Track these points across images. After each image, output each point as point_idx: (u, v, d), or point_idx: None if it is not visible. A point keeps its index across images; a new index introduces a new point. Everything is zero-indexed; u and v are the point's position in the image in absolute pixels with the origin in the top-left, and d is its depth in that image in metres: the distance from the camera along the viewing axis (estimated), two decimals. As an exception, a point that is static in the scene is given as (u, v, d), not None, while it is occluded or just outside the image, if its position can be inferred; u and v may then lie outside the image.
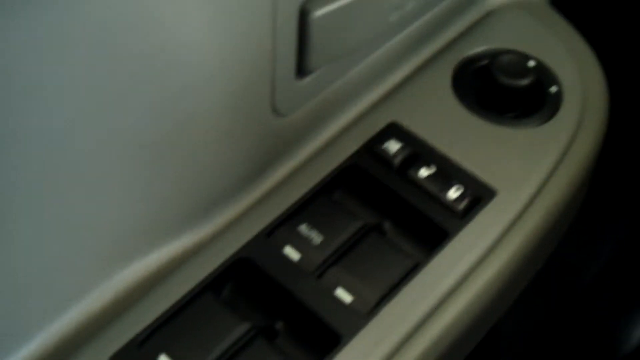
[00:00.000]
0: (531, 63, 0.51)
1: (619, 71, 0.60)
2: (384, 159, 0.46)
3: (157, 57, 0.34)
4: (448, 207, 0.44)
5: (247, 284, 0.41)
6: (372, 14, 0.43)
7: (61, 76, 0.31)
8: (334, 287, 0.41)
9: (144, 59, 0.33)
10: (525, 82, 0.49)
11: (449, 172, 0.45)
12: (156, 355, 0.38)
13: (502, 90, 0.49)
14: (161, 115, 0.36)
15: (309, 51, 0.41)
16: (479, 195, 0.45)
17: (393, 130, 0.47)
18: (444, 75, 0.50)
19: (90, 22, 0.31)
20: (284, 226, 0.42)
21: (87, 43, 0.31)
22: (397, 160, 0.46)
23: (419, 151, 0.46)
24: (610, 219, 0.86)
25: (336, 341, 0.39)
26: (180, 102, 0.36)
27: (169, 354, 0.38)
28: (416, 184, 0.45)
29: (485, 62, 0.51)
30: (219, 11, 0.35)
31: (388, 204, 0.45)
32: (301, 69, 0.41)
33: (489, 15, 0.55)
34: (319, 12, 0.39)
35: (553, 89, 0.51)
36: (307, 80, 0.42)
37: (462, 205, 0.44)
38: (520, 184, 0.46)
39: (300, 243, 0.42)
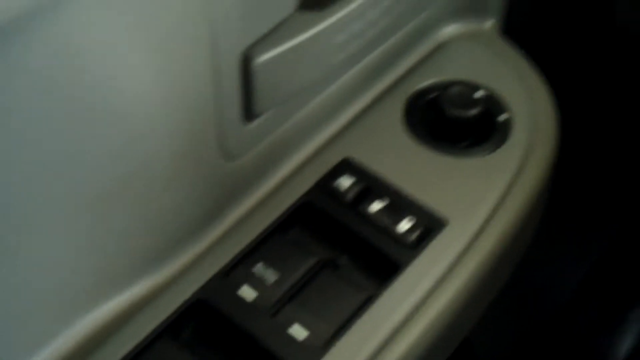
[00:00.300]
0: (480, 93, 0.52)
1: (572, 94, 0.61)
2: (337, 195, 0.47)
3: (101, 110, 0.35)
4: (399, 239, 0.45)
5: (206, 325, 0.42)
6: (315, 57, 0.44)
7: (7, 131, 0.32)
8: (290, 324, 0.42)
9: (88, 113, 0.35)
10: (473, 112, 0.50)
11: (400, 205, 0.47)
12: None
13: (451, 122, 0.50)
14: (110, 167, 0.37)
15: (255, 96, 0.42)
16: (431, 226, 0.46)
17: (346, 166, 0.48)
18: (395, 110, 0.52)
19: (32, 77, 0.32)
20: (239, 266, 0.44)
21: (31, 99, 0.32)
22: (349, 196, 0.47)
23: (371, 185, 0.47)
24: (585, 236, 0.87)
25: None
26: (129, 153, 0.37)
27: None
28: (368, 218, 0.46)
29: (435, 94, 0.52)
30: (160, 62, 0.36)
31: (342, 239, 0.46)
32: (248, 113, 0.43)
33: (440, 47, 0.56)
34: (262, 58, 0.41)
35: (502, 117, 0.52)
36: (256, 123, 0.44)
37: (413, 237, 0.45)
38: (471, 212, 0.47)
39: (256, 282, 0.43)
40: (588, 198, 0.87)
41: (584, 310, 0.85)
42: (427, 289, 0.44)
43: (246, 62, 0.41)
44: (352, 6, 0.45)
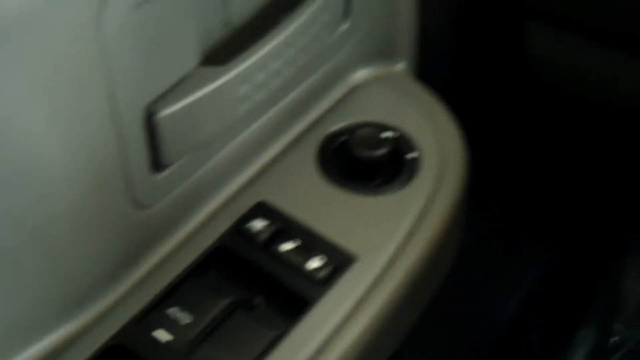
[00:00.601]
0: (389, 133, 0.55)
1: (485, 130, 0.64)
2: (251, 237, 0.49)
3: (6, 168, 0.37)
4: (309, 276, 0.47)
5: (123, 370, 0.44)
6: (219, 109, 0.47)
7: None
8: (203, 364, 0.44)
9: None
10: (381, 152, 0.53)
11: (311, 244, 0.49)
12: None
13: (360, 162, 0.53)
14: (18, 223, 0.39)
15: (161, 148, 0.44)
16: (340, 263, 0.48)
17: (260, 209, 0.51)
18: (308, 153, 0.54)
19: None
20: (154, 311, 0.45)
21: None
22: (263, 237, 0.49)
23: (284, 227, 0.50)
24: (523, 258, 0.90)
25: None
26: (36, 209, 0.39)
27: None
28: (280, 258, 0.48)
29: (345, 136, 0.55)
30: (62, 120, 0.38)
31: (256, 280, 0.48)
32: (156, 164, 0.45)
33: (353, 90, 0.59)
34: (165, 112, 0.43)
35: (411, 155, 0.55)
36: (166, 173, 0.46)
37: (323, 274, 0.48)
38: (380, 248, 0.49)
39: (171, 325, 0.45)
40: (525, 223, 0.89)
41: (528, 333, 0.87)
42: (336, 323, 0.46)
43: (150, 116, 0.43)
44: (254, 59, 0.47)
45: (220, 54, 0.48)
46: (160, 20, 0.41)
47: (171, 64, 0.43)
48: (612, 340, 0.83)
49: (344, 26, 0.55)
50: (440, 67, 0.68)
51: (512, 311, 0.86)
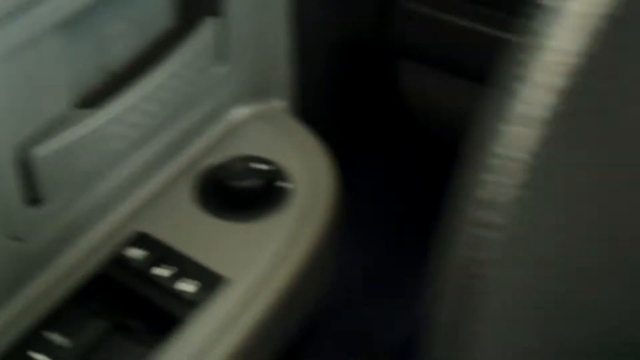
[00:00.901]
0: (262, 165, 0.60)
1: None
2: (129, 265, 0.53)
3: None
4: (182, 297, 0.51)
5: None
6: (94, 147, 0.51)
7: None
8: (80, 385, 0.47)
9: None
10: (253, 182, 0.57)
11: (185, 269, 0.53)
12: None
13: (234, 192, 0.57)
14: None
15: (37, 184, 0.48)
16: (212, 284, 0.52)
17: (139, 239, 0.55)
18: (186, 186, 0.59)
19: None
20: (35, 336, 0.49)
21: None
22: (140, 265, 0.53)
23: (161, 254, 0.54)
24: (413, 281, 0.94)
25: None
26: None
27: None
28: (156, 282, 0.52)
29: (222, 169, 0.59)
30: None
31: (133, 304, 0.52)
32: (32, 199, 0.49)
33: (233, 126, 0.64)
34: (38, 151, 0.47)
35: (284, 184, 0.59)
36: (44, 207, 0.50)
37: (194, 295, 0.52)
38: (249, 270, 0.54)
39: (51, 349, 0.48)
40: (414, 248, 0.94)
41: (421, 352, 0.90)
42: (206, 339, 0.50)
43: (23, 155, 0.47)
44: (127, 102, 0.52)
45: (99, 97, 0.53)
46: (27, 68, 0.45)
47: (40, 107, 0.47)
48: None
49: (221, 69, 0.60)
50: (320, 105, 0.73)
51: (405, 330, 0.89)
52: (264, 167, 0.60)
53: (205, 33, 0.56)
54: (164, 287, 0.52)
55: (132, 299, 0.52)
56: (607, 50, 0.28)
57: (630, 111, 0.32)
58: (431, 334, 0.30)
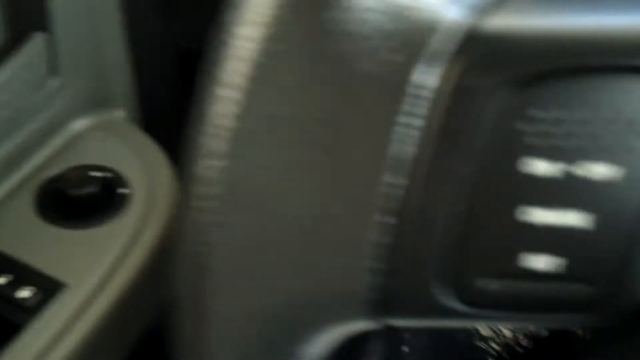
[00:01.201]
0: (100, 173, 0.62)
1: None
2: (-33, 276, 0.54)
3: None
4: (20, 304, 0.53)
5: None
6: None
7: None
8: None
9: None
10: (89, 190, 0.60)
11: (24, 276, 0.55)
12: None
13: (71, 200, 0.59)
14: None
15: None
16: (50, 291, 0.54)
17: (-24, 250, 0.56)
18: (27, 198, 0.60)
19: None
20: None
21: None
22: (-22, 275, 0.54)
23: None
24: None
25: None
26: None
27: None
28: (-7, 291, 0.54)
29: (60, 179, 0.61)
30: None
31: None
32: None
33: (73, 137, 0.66)
34: None
35: (122, 191, 0.62)
36: None
37: (32, 302, 0.54)
38: (87, 276, 0.56)
39: None
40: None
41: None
42: (44, 345, 0.52)
43: None
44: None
45: None
46: None
47: None
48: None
49: (53, 82, 0.62)
50: (161, 113, 0.75)
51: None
52: (102, 174, 0.62)
53: (33, 48, 0.58)
54: (2, 295, 0.54)
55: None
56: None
57: None
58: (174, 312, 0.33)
